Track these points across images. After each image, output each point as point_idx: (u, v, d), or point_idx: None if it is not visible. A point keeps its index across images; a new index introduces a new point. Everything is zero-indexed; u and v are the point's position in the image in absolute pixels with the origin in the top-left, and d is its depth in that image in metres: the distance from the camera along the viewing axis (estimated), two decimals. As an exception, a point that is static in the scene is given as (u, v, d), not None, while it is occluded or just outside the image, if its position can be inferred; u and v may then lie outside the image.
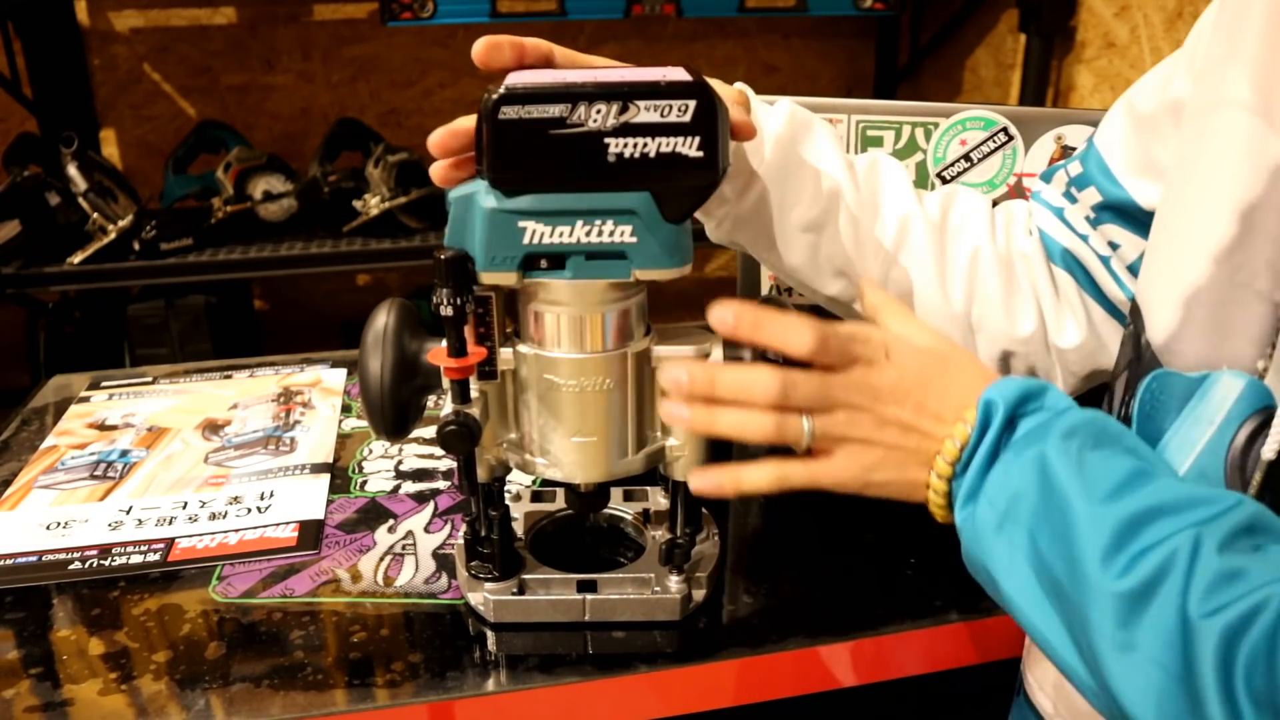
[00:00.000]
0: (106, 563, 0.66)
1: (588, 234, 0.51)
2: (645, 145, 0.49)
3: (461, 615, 0.61)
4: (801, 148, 0.63)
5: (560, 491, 0.67)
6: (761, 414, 0.50)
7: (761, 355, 0.54)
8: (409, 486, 0.75)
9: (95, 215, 1.77)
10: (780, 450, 0.52)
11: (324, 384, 0.93)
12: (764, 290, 0.85)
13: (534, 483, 0.73)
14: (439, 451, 0.80)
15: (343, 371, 0.95)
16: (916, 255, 0.64)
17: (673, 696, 0.58)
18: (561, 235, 0.51)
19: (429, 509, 0.72)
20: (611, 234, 0.51)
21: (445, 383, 0.55)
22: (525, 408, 0.57)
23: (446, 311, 0.52)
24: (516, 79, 0.50)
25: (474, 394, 0.55)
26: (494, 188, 0.51)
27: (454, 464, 0.78)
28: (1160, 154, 0.57)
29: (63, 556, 0.67)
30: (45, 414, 0.88)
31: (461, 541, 0.63)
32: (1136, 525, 0.41)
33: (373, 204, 1.88)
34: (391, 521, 0.71)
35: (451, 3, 1.87)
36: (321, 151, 1.94)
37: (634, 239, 0.51)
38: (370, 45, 2.20)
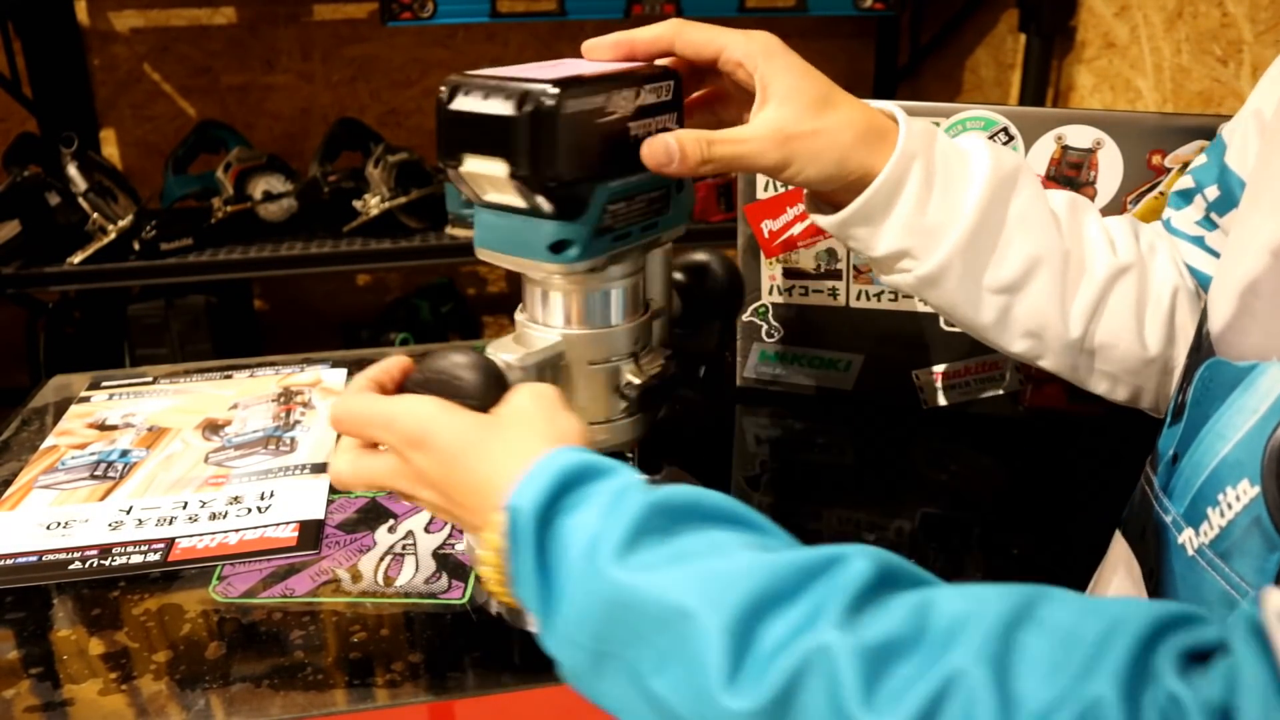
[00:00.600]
0: (106, 563, 0.66)
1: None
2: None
3: (460, 615, 0.61)
4: (1008, 206, 0.57)
5: None
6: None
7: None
8: (409, 486, 0.75)
9: (95, 215, 1.77)
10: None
11: (324, 384, 0.93)
12: (764, 289, 0.85)
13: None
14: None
15: (343, 371, 0.95)
16: (1120, 306, 0.60)
17: (673, 696, 0.58)
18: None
19: (429, 509, 0.72)
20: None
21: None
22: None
23: None
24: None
25: None
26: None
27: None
28: None
29: (63, 556, 0.67)
30: (45, 414, 0.88)
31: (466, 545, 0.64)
32: (748, 625, 0.36)
33: (373, 204, 1.88)
34: (391, 521, 0.71)
35: (451, 3, 1.87)
36: (321, 151, 1.94)
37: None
38: (370, 45, 2.20)
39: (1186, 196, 0.64)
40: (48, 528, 0.70)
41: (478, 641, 0.59)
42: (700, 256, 0.66)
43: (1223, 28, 1.55)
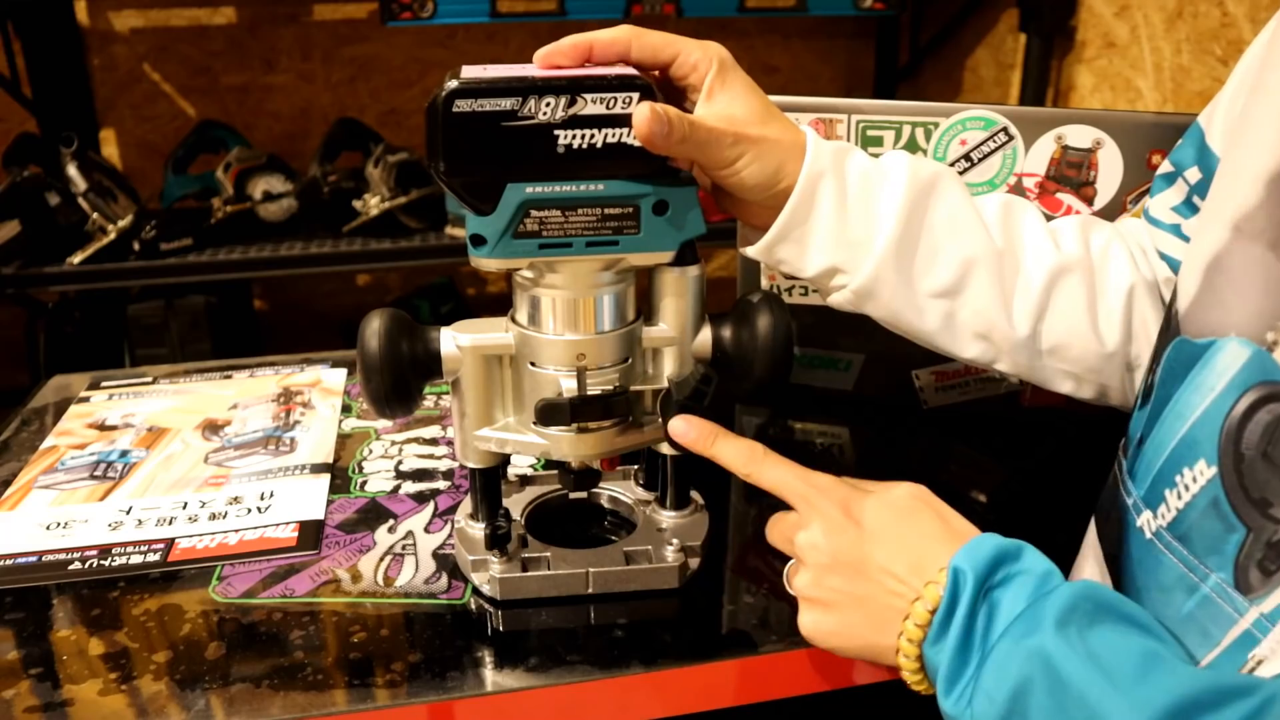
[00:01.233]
0: (106, 563, 0.66)
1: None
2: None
3: (460, 615, 0.61)
4: (929, 213, 0.59)
5: (533, 477, 0.71)
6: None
7: None
8: (409, 486, 0.75)
9: (95, 215, 1.77)
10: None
11: (324, 384, 0.93)
12: (764, 289, 0.85)
13: (538, 464, 0.74)
14: (439, 451, 0.80)
15: (343, 371, 0.95)
16: (1067, 305, 0.61)
17: (673, 696, 0.58)
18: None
19: (429, 509, 0.72)
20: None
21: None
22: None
23: None
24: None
25: None
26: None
27: (453, 464, 0.78)
28: None
29: (63, 557, 0.67)
30: (45, 414, 0.88)
31: (463, 525, 0.64)
32: (1179, 716, 0.39)
33: (373, 204, 1.88)
34: (391, 521, 0.71)
35: (451, 3, 1.87)
36: (321, 151, 1.94)
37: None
38: (370, 45, 2.20)
39: (1169, 179, 0.64)
40: (47, 528, 0.70)
41: (478, 641, 0.59)
42: (754, 310, 0.61)
43: (1223, 28, 1.55)
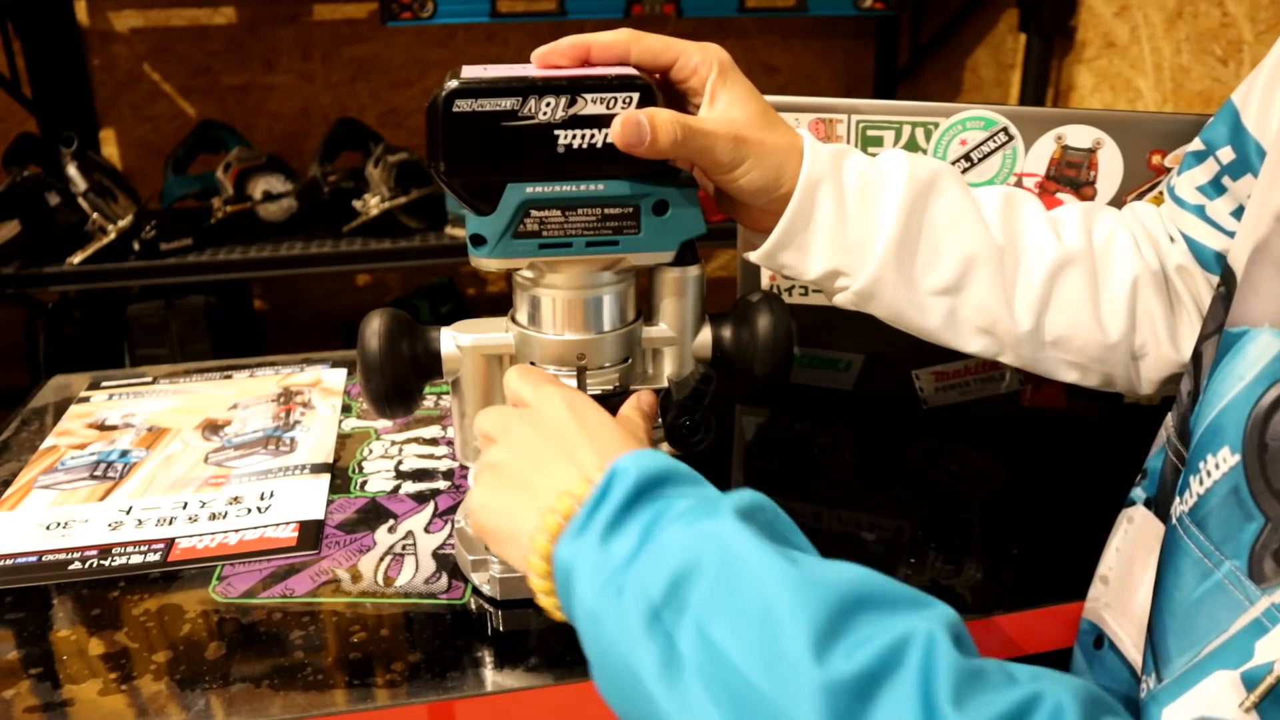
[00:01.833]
0: (106, 563, 0.66)
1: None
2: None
3: (460, 615, 0.61)
4: (928, 212, 0.59)
5: None
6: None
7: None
8: (409, 486, 0.75)
9: (95, 215, 1.77)
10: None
11: (324, 384, 0.93)
12: (764, 288, 0.85)
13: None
14: (439, 451, 0.80)
15: (343, 371, 0.95)
16: (1070, 298, 0.61)
17: (673, 696, 0.58)
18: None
19: (429, 509, 0.72)
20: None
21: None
22: None
23: None
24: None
25: None
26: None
27: (453, 464, 0.78)
28: None
29: (63, 556, 0.67)
30: (45, 414, 0.88)
31: (463, 525, 0.64)
32: (853, 609, 0.36)
33: (373, 204, 1.88)
34: (391, 521, 0.71)
35: (451, 3, 1.87)
36: (321, 151, 1.94)
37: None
38: (370, 45, 2.20)
39: (1198, 157, 0.62)
40: (47, 528, 0.70)
41: (478, 641, 0.59)
42: (754, 310, 0.61)
43: (1223, 27, 1.55)
